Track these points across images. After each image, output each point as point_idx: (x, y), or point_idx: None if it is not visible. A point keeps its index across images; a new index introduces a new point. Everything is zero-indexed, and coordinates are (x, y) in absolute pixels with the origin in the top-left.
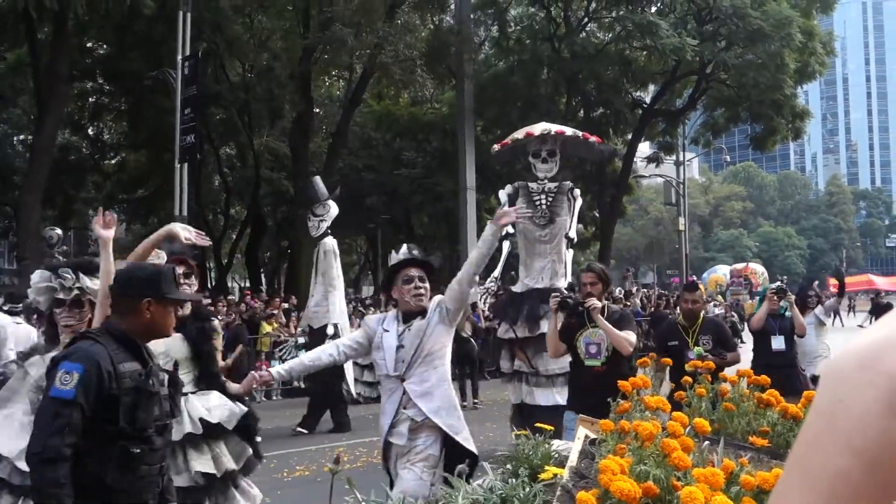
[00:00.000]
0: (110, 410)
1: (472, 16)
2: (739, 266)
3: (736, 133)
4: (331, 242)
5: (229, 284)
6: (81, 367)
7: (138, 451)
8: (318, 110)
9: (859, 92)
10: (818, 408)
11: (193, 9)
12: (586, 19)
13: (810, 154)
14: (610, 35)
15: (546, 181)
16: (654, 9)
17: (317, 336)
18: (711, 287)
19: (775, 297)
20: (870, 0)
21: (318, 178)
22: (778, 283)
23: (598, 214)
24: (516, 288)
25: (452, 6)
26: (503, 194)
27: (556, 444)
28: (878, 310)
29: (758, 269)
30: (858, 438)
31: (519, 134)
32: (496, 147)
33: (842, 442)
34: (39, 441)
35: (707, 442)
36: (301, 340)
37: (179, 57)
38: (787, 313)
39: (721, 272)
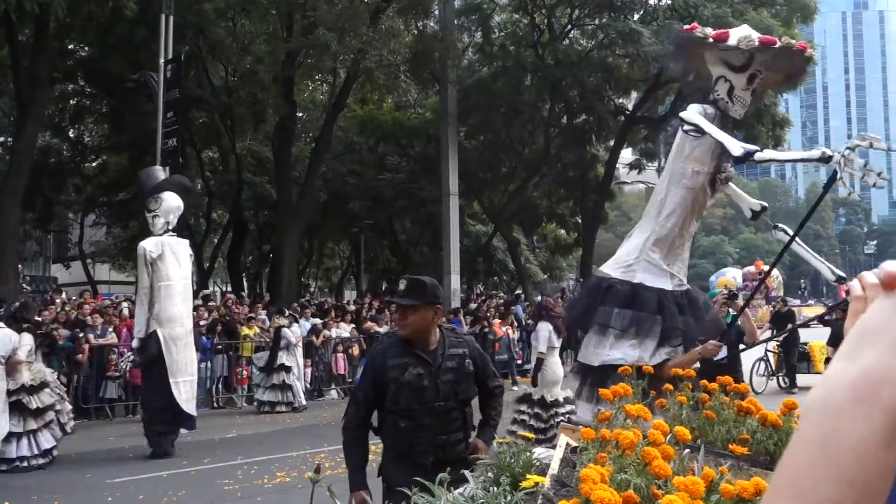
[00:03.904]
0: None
1: (455, 22)
2: (752, 268)
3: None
4: (144, 246)
5: (211, 289)
6: None
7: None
8: (301, 114)
9: (839, 100)
10: (809, 437)
11: (176, 12)
12: (569, 26)
13: None
14: (593, 42)
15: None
16: (636, 17)
17: None
18: (723, 289)
19: (725, 303)
20: (849, 10)
21: (151, 168)
22: (730, 289)
23: (580, 220)
24: (639, 276)
25: (436, 12)
26: (697, 112)
27: (538, 451)
28: (778, 318)
29: (773, 272)
30: (853, 470)
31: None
32: (709, 35)
33: (835, 472)
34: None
35: (687, 450)
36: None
37: (162, 60)
38: (739, 322)
39: (730, 275)
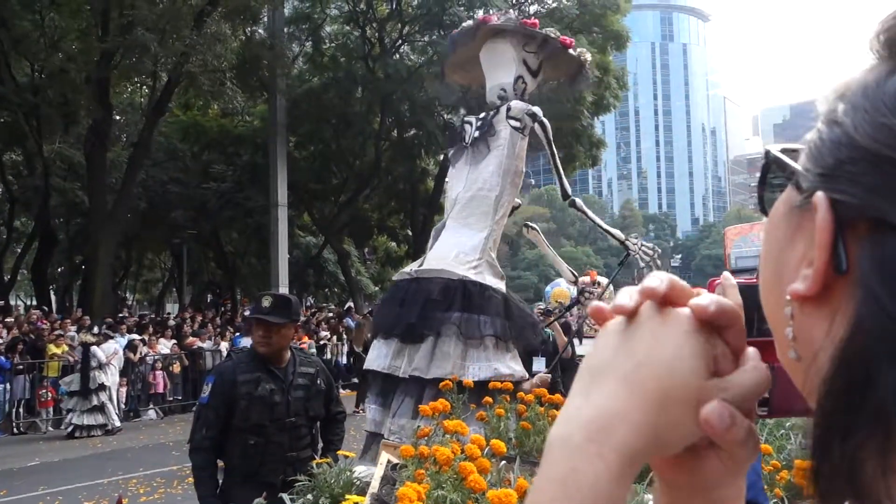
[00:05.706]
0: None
1: (285, 30)
2: (586, 279)
3: (540, 158)
4: None
5: (13, 303)
6: None
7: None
8: (118, 118)
9: (648, 124)
10: (550, 475)
11: None
12: (400, 41)
13: (606, 179)
14: (423, 58)
15: None
16: None
17: None
18: (555, 302)
19: (540, 319)
20: (657, 41)
21: None
22: (562, 301)
23: (410, 233)
24: (487, 279)
25: (265, 18)
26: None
27: (359, 470)
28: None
29: (603, 281)
30: None
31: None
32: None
33: None
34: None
35: (504, 461)
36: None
37: None
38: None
39: (564, 286)
